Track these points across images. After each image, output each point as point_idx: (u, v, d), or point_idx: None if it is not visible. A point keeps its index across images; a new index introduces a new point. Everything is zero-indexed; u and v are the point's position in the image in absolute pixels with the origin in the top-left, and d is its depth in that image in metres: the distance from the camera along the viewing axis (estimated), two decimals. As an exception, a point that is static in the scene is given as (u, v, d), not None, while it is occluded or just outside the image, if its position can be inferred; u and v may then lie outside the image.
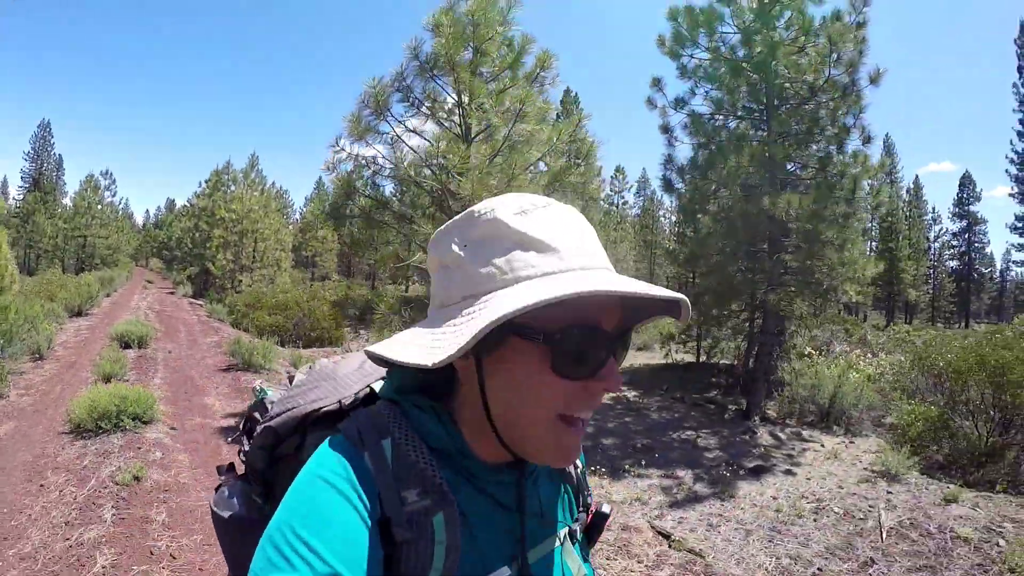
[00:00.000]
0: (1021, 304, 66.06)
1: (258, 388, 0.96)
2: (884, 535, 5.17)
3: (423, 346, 0.67)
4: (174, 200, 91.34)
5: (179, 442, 6.29)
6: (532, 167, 7.12)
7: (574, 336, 0.65)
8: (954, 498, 5.95)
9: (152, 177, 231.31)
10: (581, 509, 0.91)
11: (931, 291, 59.86)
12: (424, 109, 7.21)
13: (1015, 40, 48.79)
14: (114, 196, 53.97)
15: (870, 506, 5.91)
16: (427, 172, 7.03)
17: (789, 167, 10.52)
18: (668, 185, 10.89)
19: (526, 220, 0.68)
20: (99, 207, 47.05)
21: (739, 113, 10.78)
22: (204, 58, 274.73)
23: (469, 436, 0.74)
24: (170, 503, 4.67)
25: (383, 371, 0.84)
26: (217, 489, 0.90)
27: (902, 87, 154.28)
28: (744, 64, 10.06)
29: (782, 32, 10.06)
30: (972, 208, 61.81)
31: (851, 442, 8.55)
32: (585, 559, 0.87)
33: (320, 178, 63.68)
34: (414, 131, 7.37)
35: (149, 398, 6.79)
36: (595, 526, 0.91)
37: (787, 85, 10.13)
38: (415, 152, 7.20)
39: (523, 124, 6.89)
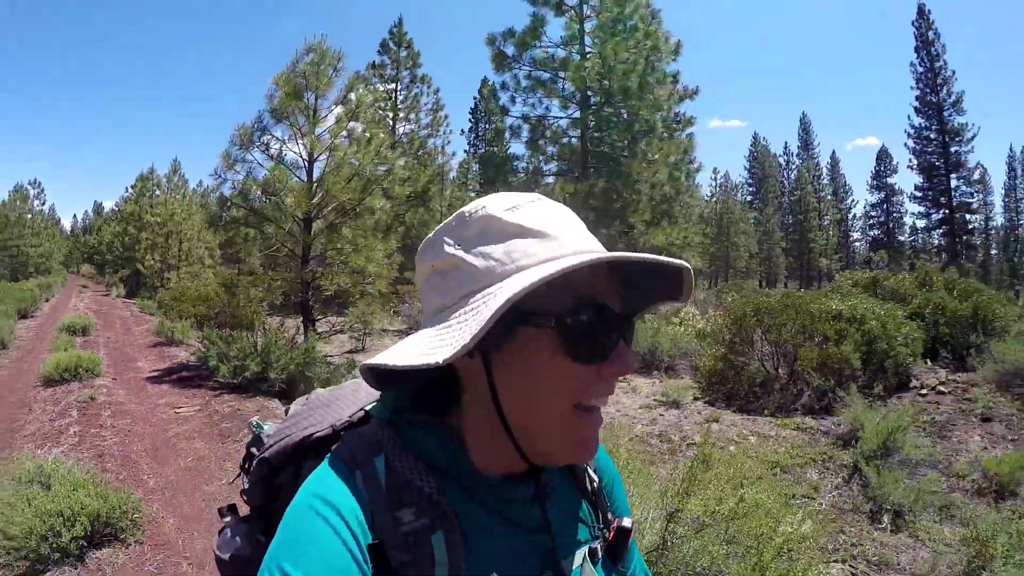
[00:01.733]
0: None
1: (255, 423, 0.93)
2: (628, 440, 6.13)
3: (426, 347, 0.66)
4: (102, 204, 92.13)
5: (118, 385, 9.55)
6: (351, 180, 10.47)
7: (585, 316, 0.66)
8: (716, 419, 7.25)
9: (78, 180, 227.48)
10: (602, 526, 0.86)
11: (843, 260, 64.72)
12: (272, 145, 10.52)
13: (912, 22, 53.48)
14: (43, 204, 55.51)
15: (635, 422, 7.29)
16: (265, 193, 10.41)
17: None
18: (491, 180, 14.34)
19: (519, 213, 0.69)
20: (28, 216, 48.68)
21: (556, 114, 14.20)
22: (122, 58, 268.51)
23: (475, 448, 0.73)
24: (112, 407, 7.99)
25: (378, 395, 0.80)
26: (220, 532, 0.90)
27: (833, 62, 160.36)
28: (560, 75, 13.45)
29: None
30: (889, 180, 65.80)
31: (659, 382, 9.77)
32: None
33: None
34: (271, 157, 10.69)
35: (97, 360, 10.06)
36: (617, 543, 0.85)
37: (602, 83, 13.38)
38: (260, 177, 10.54)
39: (338, 152, 10.28)
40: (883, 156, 65.91)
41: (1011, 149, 62.94)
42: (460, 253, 0.69)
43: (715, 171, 69.25)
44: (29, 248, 46.78)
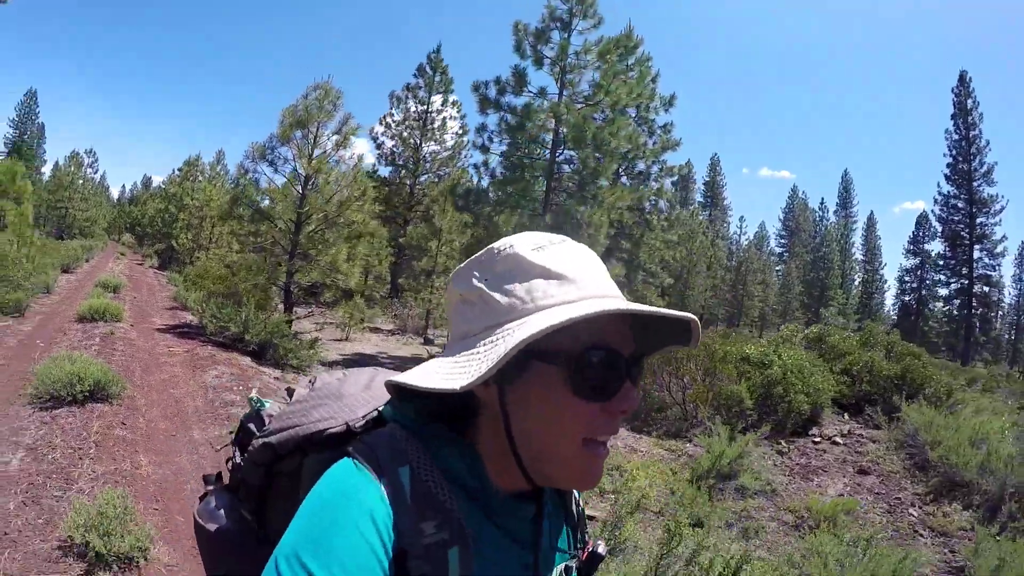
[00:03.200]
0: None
1: (254, 398, 0.97)
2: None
3: (447, 373, 0.72)
4: (151, 177, 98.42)
5: (133, 329, 12.70)
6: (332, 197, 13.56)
7: (594, 359, 0.71)
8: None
9: (132, 150, 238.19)
10: (579, 546, 0.94)
11: (860, 320, 65.16)
12: (278, 161, 13.68)
13: (952, 89, 54.87)
14: (96, 172, 60.45)
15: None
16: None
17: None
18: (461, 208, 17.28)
19: (543, 254, 0.75)
20: (80, 182, 53.33)
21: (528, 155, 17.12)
22: (188, 38, 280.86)
23: (490, 466, 0.78)
24: (124, 341, 11.08)
25: (387, 395, 0.84)
26: (202, 499, 0.93)
27: (891, 122, 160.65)
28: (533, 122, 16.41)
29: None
30: (927, 247, 65.15)
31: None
32: None
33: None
34: (276, 171, 13.86)
35: (121, 309, 13.24)
36: (590, 565, 0.91)
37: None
38: (268, 186, 13.73)
39: (322, 175, 13.40)
40: (923, 221, 65.49)
41: None
42: (485, 288, 0.76)
43: (742, 219, 71.65)
44: (76, 211, 51.19)
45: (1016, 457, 8.71)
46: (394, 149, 33.40)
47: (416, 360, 15.69)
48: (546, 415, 0.73)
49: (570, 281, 0.73)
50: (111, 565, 3.78)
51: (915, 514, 7.89)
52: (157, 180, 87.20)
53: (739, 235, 70.46)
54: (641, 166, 22.47)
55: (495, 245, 0.79)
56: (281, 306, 13.92)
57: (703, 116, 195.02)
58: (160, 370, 9.37)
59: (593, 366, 0.71)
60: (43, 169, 70.39)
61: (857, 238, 73.54)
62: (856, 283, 67.81)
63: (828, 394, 12.42)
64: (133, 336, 11.80)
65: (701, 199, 79.38)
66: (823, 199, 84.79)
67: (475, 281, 0.77)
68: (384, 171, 33.99)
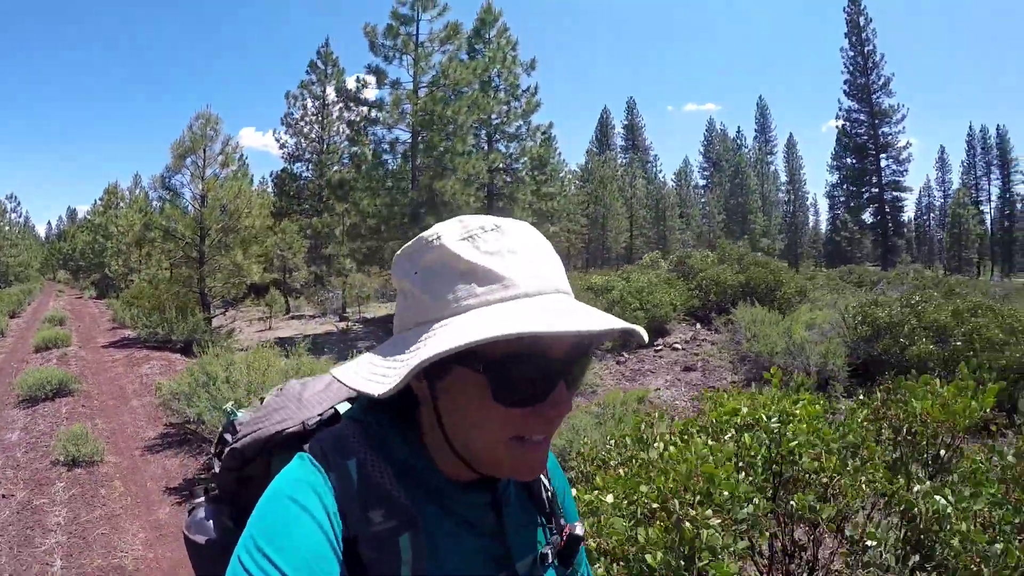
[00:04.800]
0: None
1: (229, 409, 0.99)
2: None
3: (374, 374, 0.73)
4: (75, 209, 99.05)
5: (81, 349, 15.63)
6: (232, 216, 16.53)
7: (515, 366, 0.68)
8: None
9: (51, 184, 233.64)
10: (555, 532, 0.93)
11: (787, 240, 68.01)
12: (177, 187, 16.59)
13: (844, 8, 57.62)
14: (19, 216, 61.69)
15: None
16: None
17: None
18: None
19: (471, 246, 0.72)
20: (7, 228, 54.76)
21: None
22: (83, 60, 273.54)
23: (435, 455, 0.79)
24: (76, 358, 14.04)
25: (348, 391, 0.89)
26: (191, 512, 0.95)
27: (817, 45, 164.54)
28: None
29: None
30: (849, 161, 67.29)
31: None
32: None
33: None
34: (175, 195, 16.77)
35: (69, 335, 16.20)
36: (569, 548, 0.91)
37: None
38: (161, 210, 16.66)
39: (211, 192, 16.37)
40: (841, 136, 68.52)
41: (970, 127, 66.21)
42: (414, 282, 0.75)
43: (655, 157, 75.93)
44: (8, 258, 52.72)
45: (812, 340, 11.03)
46: (298, 145, 35.84)
47: (328, 336, 18.88)
48: (470, 415, 0.72)
49: (498, 279, 0.70)
50: (81, 464, 6.97)
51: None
52: (82, 210, 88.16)
53: (655, 173, 73.85)
54: (512, 129, 25.34)
55: (424, 234, 0.77)
56: (199, 308, 16.93)
57: (620, 59, 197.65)
58: (106, 371, 12.48)
59: (515, 374, 0.69)
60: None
61: (780, 161, 77.52)
62: (775, 204, 71.47)
63: (668, 308, 15.09)
64: (83, 354, 14.80)
65: (622, 142, 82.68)
66: (739, 128, 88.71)
67: (404, 275, 0.77)
68: (300, 167, 36.28)
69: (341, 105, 36.18)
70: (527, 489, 0.93)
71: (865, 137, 56.88)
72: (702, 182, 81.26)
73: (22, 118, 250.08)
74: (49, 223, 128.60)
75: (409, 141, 19.76)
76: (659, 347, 13.46)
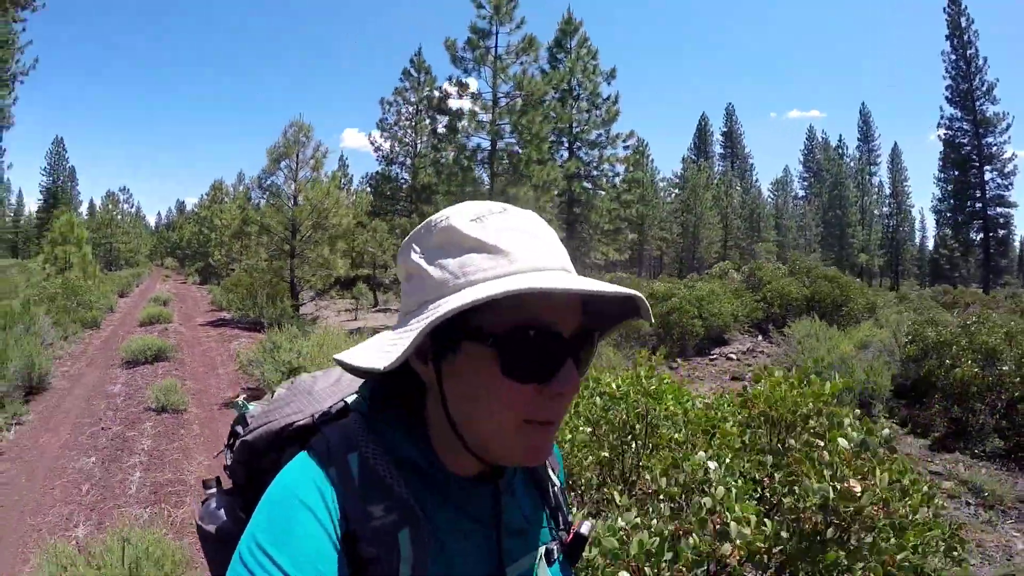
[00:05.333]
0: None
1: (240, 402, 1.00)
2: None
3: (380, 350, 0.73)
4: (183, 201, 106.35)
5: (182, 327, 17.39)
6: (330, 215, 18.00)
7: (523, 338, 0.69)
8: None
9: (162, 178, 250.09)
10: (561, 528, 0.93)
11: (888, 255, 65.82)
12: (272, 187, 18.22)
13: (944, 8, 54.46)
14: (131, 207, 66.77)
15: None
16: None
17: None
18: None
19: (479, 226, 0.73)
20: (119, 217, 59.49)
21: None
22: (202, 60, 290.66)
23: (440, 447, 0.79)
24: (176, 333, 15.75)
25: (359, 383, 0.88)
26: (204, 502, 0.96)
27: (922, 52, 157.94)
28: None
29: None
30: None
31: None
32: None
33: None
34: (273, 194, 18.42)
35: (171, 314, 18.04)
36: (575, 546, 0.93)
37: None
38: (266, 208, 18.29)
39: (303, 193, 17.88)
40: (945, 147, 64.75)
41: None
42: (422, 262, 0.75)
43: (751, 167, 74.30)
44: (120, 244, 57.28)
45: (851, 356, 10.80)
46: (392, 149, 37.69)
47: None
48: (479, 395, 0.72)
49: (503, 254, 0.71)
50: (169, 411, 8.26)
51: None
52: (190, 203, 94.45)
53: (750, 183, 72.47)
54: (592, 137, 26.14)
55: (433, 217, 0.77)
56: (288, 296, 18.49)
57: (720, 66, 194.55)
58: (200, 345, 14.04)
59: (524, 346, 0.69)
60: (80, 209, 77.22)
61: (884, 172, 73.94)
62: (876, 218, 68.28)
63: (729, 318, 15.15)
64: (182, 330, 16.53)
65: (720, 150, 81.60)
66: (841, 136, 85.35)
67: (414, 255, 0.77)
68: (395, 169, 38.15)
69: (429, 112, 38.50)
70: (533, 482, 0.93)
71: (968, 147, 52.98)
72: (801, 192, 79.45)
73: (139, 117, 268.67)
74: (159, 213, 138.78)
75: (488, 148, 20.77)
76: (714, 356, 13.75)
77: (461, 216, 0.74)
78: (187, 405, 8.50)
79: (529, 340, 0.69)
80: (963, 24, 52.99)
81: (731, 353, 14.01)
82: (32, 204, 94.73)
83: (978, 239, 53.29)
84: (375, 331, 12.20)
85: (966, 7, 53.43)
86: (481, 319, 0.69)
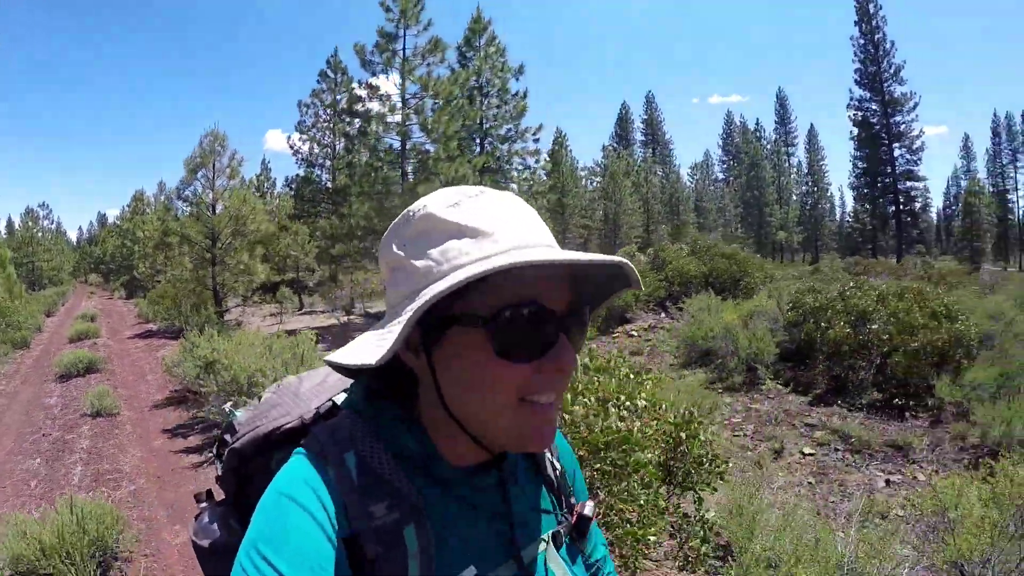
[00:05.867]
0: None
1: (228, 409, 0.99)
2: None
3: (369, 346, 0.72)
4: (105, 214, 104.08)
5: (111, 341, 18.05)
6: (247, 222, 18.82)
7: (512, 315, 0.69)
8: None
9: (82, 190, 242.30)
10: (565, 511, 0.94)
11: (805, 231, 68.60)
12: (191, 198, 18.95)
13: None
14: (52, 223, 65.40)
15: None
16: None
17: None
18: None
19: (457, 210, 0.72)
20: (40, 235, 58.29)
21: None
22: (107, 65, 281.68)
23: (438, 438, 0.78)
24: (105, 347, 16.46)
25: (347, 383, 0.88)
26: (197, 517, 0.94)
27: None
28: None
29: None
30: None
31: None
32: (573, 562, 0.90)
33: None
34: (190, 204, 19.15)
35: (99, 329, 18.66)
36: (580, 528, 0.93)
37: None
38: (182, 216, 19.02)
39: (221, 202, 18.69)
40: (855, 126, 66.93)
41: (995, 114, 64.79)
42: (402, 253, 0.75)
43: (668, 152, 76.81)
44: (42, 263, 56.18)
45: (736, 325, 11.53)
46: (311, 151, 38.23)
47: (330, 328, 21.03)
48: (474, 380, 0.72)
49: (485, 235, 0.70)
50: (103, 415, 9.20)
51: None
52: (112, 215, 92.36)
53: (673, 167, 74.72)
54: (502, 131, 27.33)
55: (410, 208, 0.77)
56: (212, 304, 19.29)
57: (638, 55, 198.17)
58: (128, 355, 14.87)
59: (515, 325, 0.69)
60: (-2, 228, 75.03)
61: (802, 153, 76.76)
62: (794, 197, 71.79)
63: (630, 296, 15.40)
64: (110, 343, 17.23)
65: (641, 137, 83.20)
66: (758, 119, 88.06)
67: (395, 249, 0.76)
68: (317, 172, 38.69)
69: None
70: (535, 467, 0.93)
71: (878, 127, 55.54)
72: (722, 176, 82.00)
73: (53, 128, 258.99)
74: (80, 228, 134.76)
75: (399, 148, 21.80)
76: (616, 334, 14.72)
77: (438, 203, 0.74)
78: (119, 409, 9.45)
79: (520, 318, 0.69)
80: (871, 10, 55.21)
81: (632, 330, 14.98)
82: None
83: (891, 212, 55.53)
84: (296, 332, 13.17)
85: (874, -6, 55.44)
86: (469, 303, 0.70)
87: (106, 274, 61.56)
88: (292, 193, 39.21)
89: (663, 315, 17.34)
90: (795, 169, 75.75)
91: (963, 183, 70.22)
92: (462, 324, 0.70)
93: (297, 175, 38.72)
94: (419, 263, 0.72)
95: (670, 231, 52.91)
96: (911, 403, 8.70)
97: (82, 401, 9.75)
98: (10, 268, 24.25)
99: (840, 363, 9.59)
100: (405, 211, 0.78)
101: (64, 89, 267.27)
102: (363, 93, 22.20)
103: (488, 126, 26.72)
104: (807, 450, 7.37)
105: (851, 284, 11.67)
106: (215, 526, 0.89)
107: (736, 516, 4.16)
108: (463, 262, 0.69)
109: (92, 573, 4.27)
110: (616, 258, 0.69)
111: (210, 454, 2.64)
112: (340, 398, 0.86)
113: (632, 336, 14.73)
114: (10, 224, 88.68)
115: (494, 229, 0.71)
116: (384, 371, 0.79)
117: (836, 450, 7.29)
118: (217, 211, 18.96)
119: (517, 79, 27.68)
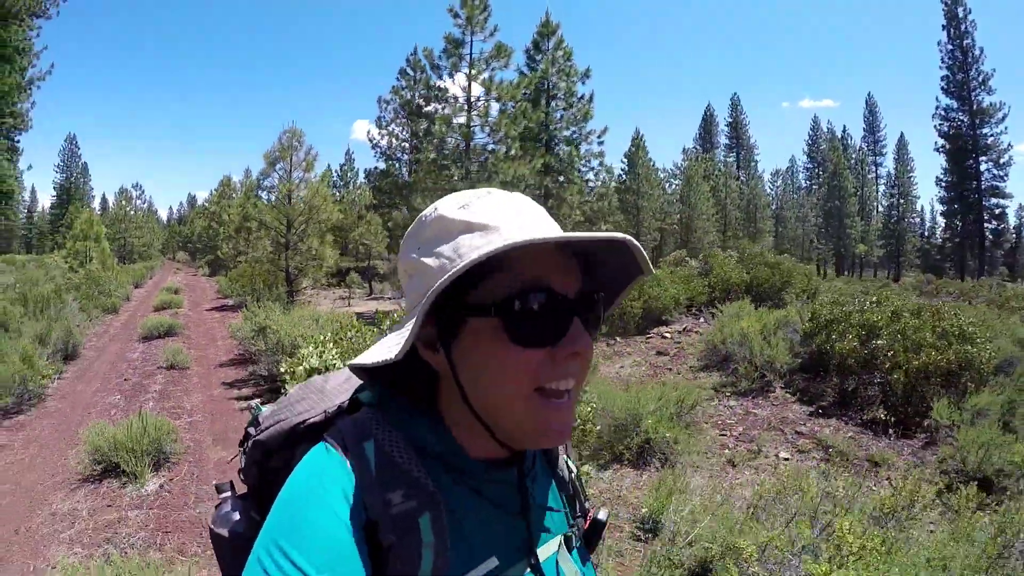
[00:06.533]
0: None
1: (255, 405, 1.01)
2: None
3: (389, 345, 0.74)
4: (195, 195, 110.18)
5: (191, 312, 20.00)
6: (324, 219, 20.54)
7: (525, 301, 0.71)
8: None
9: (174, 171, 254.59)
10: (578, 515, 0.95)
11: (887, 246, 65.27)
12: (269, 188, 20.77)
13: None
14: (143, 203, 70.00)
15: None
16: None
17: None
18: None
19: (467, 211, 0.75)
20: (132, 213, 62.56)
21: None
22: (209, 51, 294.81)
23: (459, 434, 0.80)
24: (185, 316, 18.37)
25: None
26: (217, 507, 0.95)
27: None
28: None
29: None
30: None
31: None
32: (584, 564, 0.91)
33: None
34: (268, 193, 20.99)
35: (181, 300, 20.79)
36: (593, 532, 0.95)
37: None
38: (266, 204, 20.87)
39: (295, 192, 20.43)
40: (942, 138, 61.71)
41: None
42: (418, 256, 0.76)
43: (755, 159, 75.26)
44: (134, 239, 60.26)
45: (754, 336, 11.57)
46: (389, 145, 40.00)
47: (390, 314, 22.56)
48: (490, 368, 0.73)
49: (493, 229, 0.72)
50: (176, 368, 10.80)
51: (671, 378, 10.51)
52: (201, 196, 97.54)
53: (754, 173, 72.86)
54: (567, 133, 28.36)
55: (423, 213, 0.80)
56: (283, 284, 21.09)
57: (728, 56, 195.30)
58: (205, 324, 16.69)
59: (527, 309, 0.71)
60: (93, 204, 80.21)
61: (890, 163, 72.79)
62: (880, 209, 69.16)
63: (669, 300, 16.55)
64: (190, 313, 19.17)
65: (726, 140, 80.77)
66: (845, 126, 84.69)
67: (411, 253, 0.78)
68: (394, 164, 40.47)
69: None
70: (551, 467, 0.94)
71: (964, 138, 52.88)
72: (806, 183, 79.47)
73: (151, 112, 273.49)
74: (171, 208, 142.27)
75: (463, 148, 23.14)
76: (651, 335, 15.11)
77: (448, 206, 0.77)
78: (190, 364, 11.05)
79: (530, 303, 0.71)
80: (960, 14, 53.03)
81: (666, 332, 15.30)
82: (45, 200, 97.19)
83: (974, 229, 52.69)
84: (362, 315, 14.29)
85: (964, -6, 52.98)
86: (481, 293, 0.72)
87: (193, 252, 65.55)
88: (371, 185, 41.04)
89: (701, 320, 17.91)
90: (883, 180, 72.71)
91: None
92: (475, 315, 0.72)
93: (376, 167, 40.59)
94: (432, 263, 0.74)
95: (745, 238, 52.17)
96: (908, 422, 8.71)
97: (159, 356, 11.39)
98: (104, 243, 26.78)
99: (847, 377, 9.69)
100: (419, 217, 0.81)
101: (161, 74, 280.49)
102: (430, 95, 23.67)
103: (553, 128, 27.76)
104: (784, 455, 7.64)
105: (873, 299, 11.60)
106: (235, 515, 0.92)
107: (655, 491, 5.10)
108: (472, 255, 0.69)
109: (148, 464, 5.69)
110: (616, 234, 0.70)
111: (256, 400, 3.17)
112: (364, 394, 0.87)
113: (665, 338, 15.09)
114: (104, 202, 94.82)
115: (501, 223, 0.73)
116: (405, 371, 0.84)
117: (813, 458, 7.46)
118: (292, 200, 20.69)
119: (583, 83, 28.60)
